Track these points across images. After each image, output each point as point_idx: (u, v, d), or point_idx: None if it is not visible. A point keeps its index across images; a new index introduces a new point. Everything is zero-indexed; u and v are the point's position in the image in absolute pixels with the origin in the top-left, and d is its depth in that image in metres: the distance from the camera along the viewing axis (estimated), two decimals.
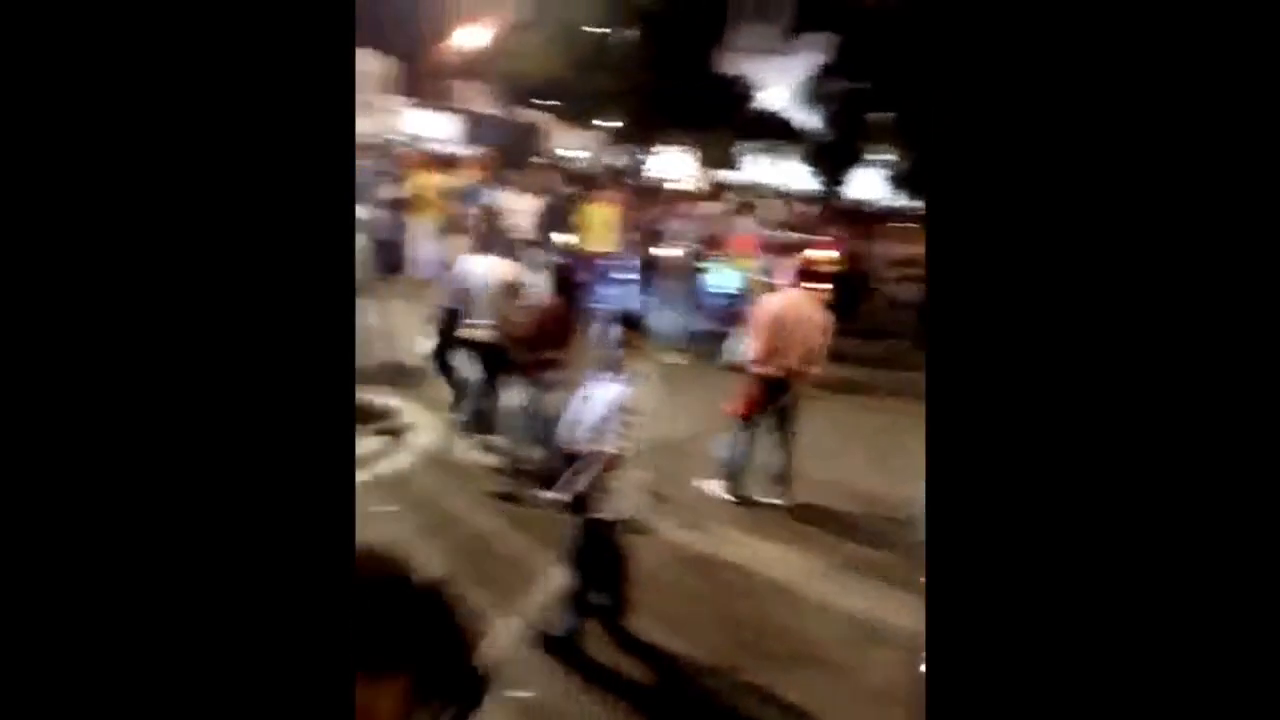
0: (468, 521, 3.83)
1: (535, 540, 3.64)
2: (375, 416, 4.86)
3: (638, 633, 3.09)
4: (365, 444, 4.49)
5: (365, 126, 19.12)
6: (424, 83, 31.05)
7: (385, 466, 4.29)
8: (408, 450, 4.52)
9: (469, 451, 4.59)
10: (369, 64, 31.36)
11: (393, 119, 20.79)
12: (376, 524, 3.62)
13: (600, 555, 2.95)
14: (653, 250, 7.83)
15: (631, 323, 3.10)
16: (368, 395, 5.03)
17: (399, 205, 8.54)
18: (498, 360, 4.46)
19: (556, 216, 7.94)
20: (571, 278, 5.26)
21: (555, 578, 3.23)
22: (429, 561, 3.37)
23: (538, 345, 4.26)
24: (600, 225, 7.84)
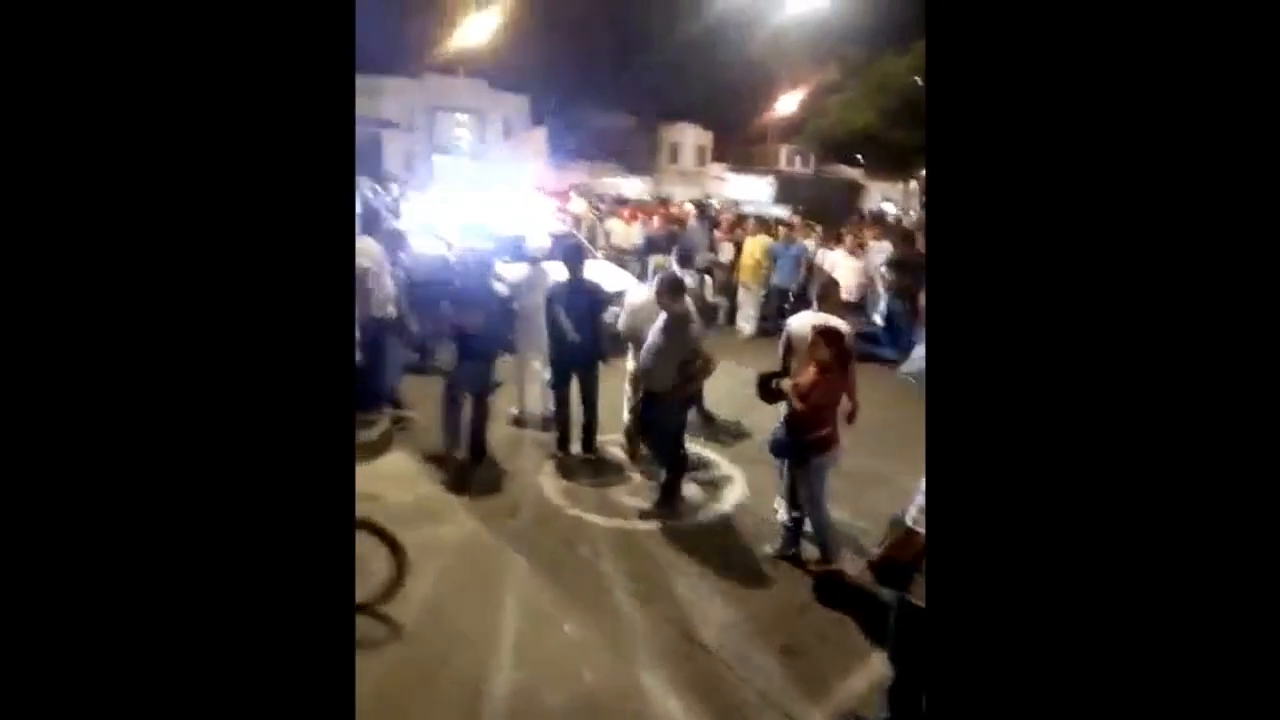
0: (778, 583, 3.70)
1: (848, 616, 3.36)
2: (691, 466, 5.03)
3: None
4: (683, 492, 4.65)
5: (686, 193, 20.86)
6: (741, 149, 32.90)
7: (700, 518, 4.38)
8: (723, 503, 4.57)
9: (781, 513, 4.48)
10: (687, 135, 34.35)
11: (713, 184, 22.13)
12: (688, 576, 3.69)
13: (917, 643, 2.57)
14: None
15: None
16: (691, 446, 5.25)
17: (724, 267, 9.01)
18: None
19: (904, 270, 7.57)
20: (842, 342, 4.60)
21: (876, 664, 2.92)
22: (724, 616, 3.33)
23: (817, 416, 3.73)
24: None
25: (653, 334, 4.19)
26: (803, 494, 3.73)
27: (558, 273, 5.01)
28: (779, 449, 3.74)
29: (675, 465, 4.36)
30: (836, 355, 3.54)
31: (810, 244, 9.35)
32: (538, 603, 3.38)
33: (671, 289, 4.20)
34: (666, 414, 4.23)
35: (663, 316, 4.19)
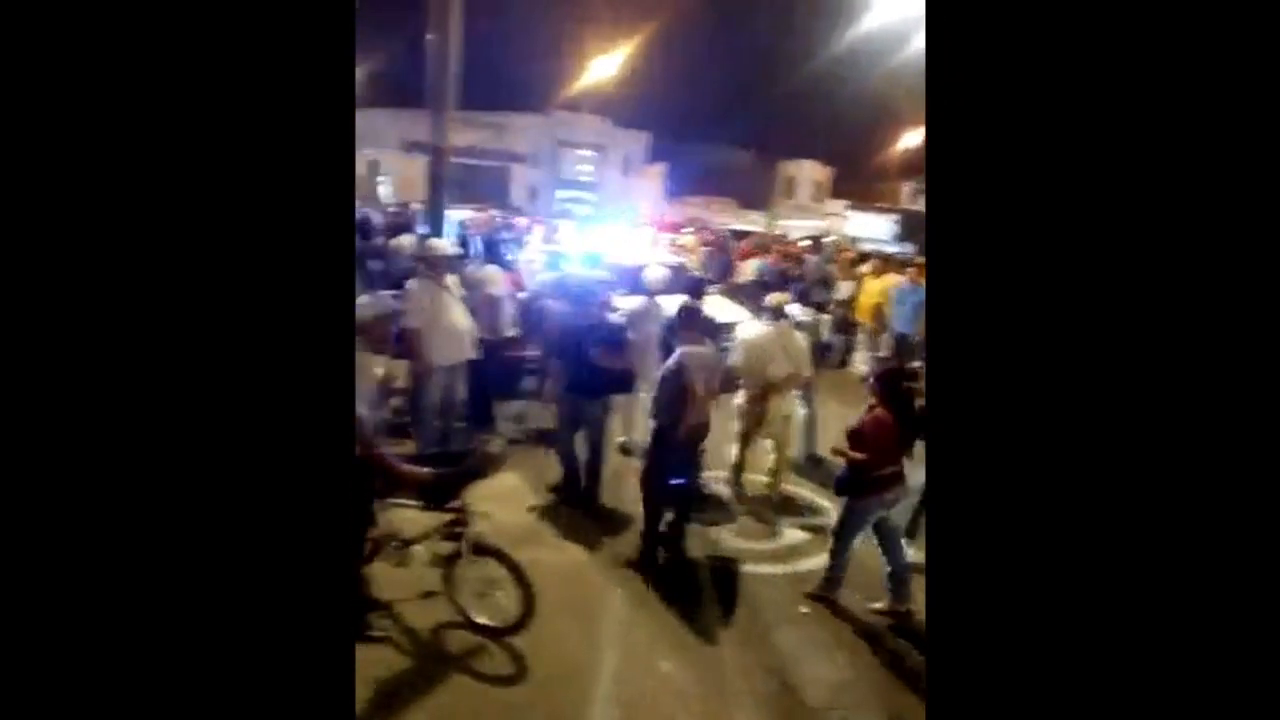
0: (892, 643, 3.48)
1: None
2: (799, 510, 4.88)
3: None
4: (789, 536, 4.51)
5: (802, 229, 20.57)
6: (861, 185, 32.15)
7: (805, 564, 4.22)
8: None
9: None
10: (804, 170, 33.89)
11: (831, 221, 21.66)
12: (793, 626, 3.54)
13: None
14: None
15: None
16: (791, 487, 5.09)
17: (843, 305, 8.79)
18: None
19: None
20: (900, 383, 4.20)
21: None
22: (832, 674, 3.15)
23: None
24: None
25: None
26: (878, 533, 3.66)
27: (671, 306, 5.06)
28: (841, 487, 3.65)
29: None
30: (891, 397, 3.49)
31: None
32: (635, 637, 3.36)
33: (688, 322, 4.08)
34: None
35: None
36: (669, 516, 4.07)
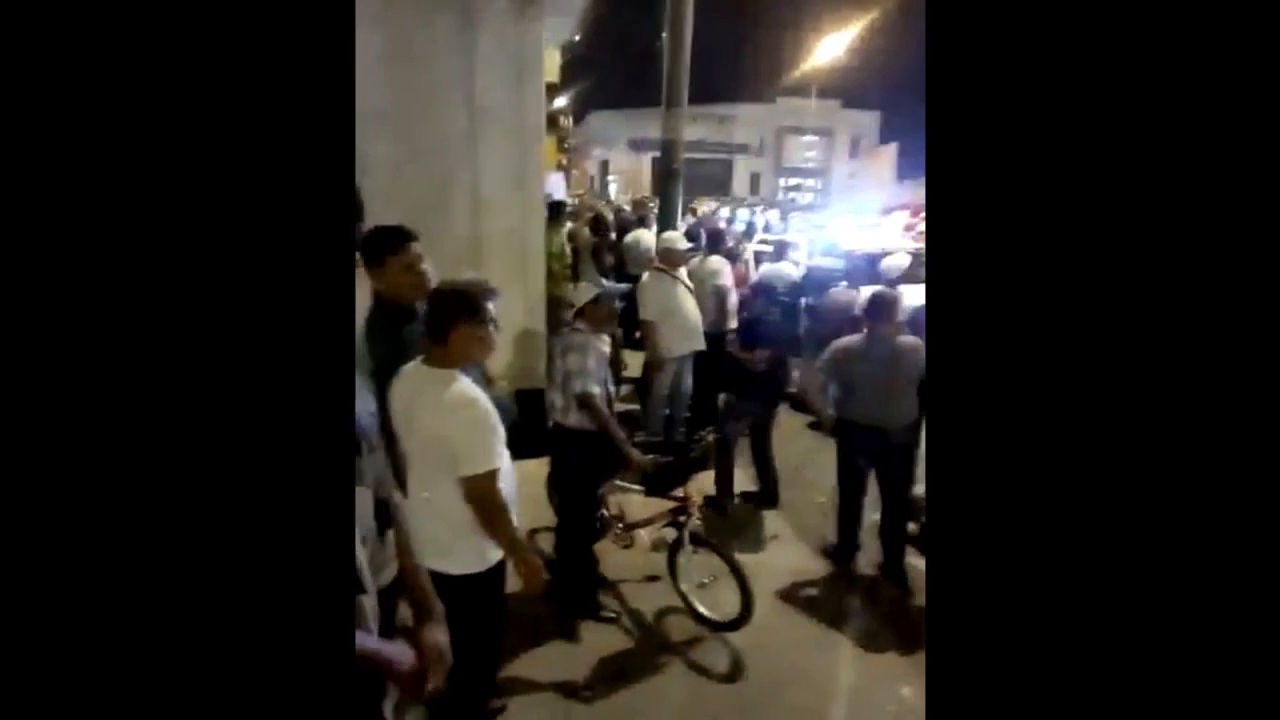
0: None
1: None
2: None
3: None
4: None
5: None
6: None
7: None
8: None
9: None
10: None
11: None
12: None
13: None
14: None
15: None
16: None
17: None
18: None
19: None
20: None
21: None
22: None
23: None
24: None
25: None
26: None
27: (913, 296, 4.61)
28: None
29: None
30: None
31: None
32: (873, 656, 3.10)
33: (876, 312, 3.52)
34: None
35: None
36: (875, 517, 3.71)
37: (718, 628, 3.14)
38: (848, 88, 25.91)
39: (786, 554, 3.91)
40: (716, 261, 5.65)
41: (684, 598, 3.27)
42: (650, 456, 3.12)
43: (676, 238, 5.11)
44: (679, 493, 3.24)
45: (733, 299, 5.57)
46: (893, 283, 5.05)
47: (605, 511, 3.51)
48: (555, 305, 5.17)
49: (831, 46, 22.15)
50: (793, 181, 26.03)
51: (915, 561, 3.76)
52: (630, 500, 3.46)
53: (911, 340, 3.52)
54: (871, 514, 3.74)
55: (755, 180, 25.42)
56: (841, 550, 3.79)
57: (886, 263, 5.33)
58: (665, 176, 6.83)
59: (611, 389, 3.19)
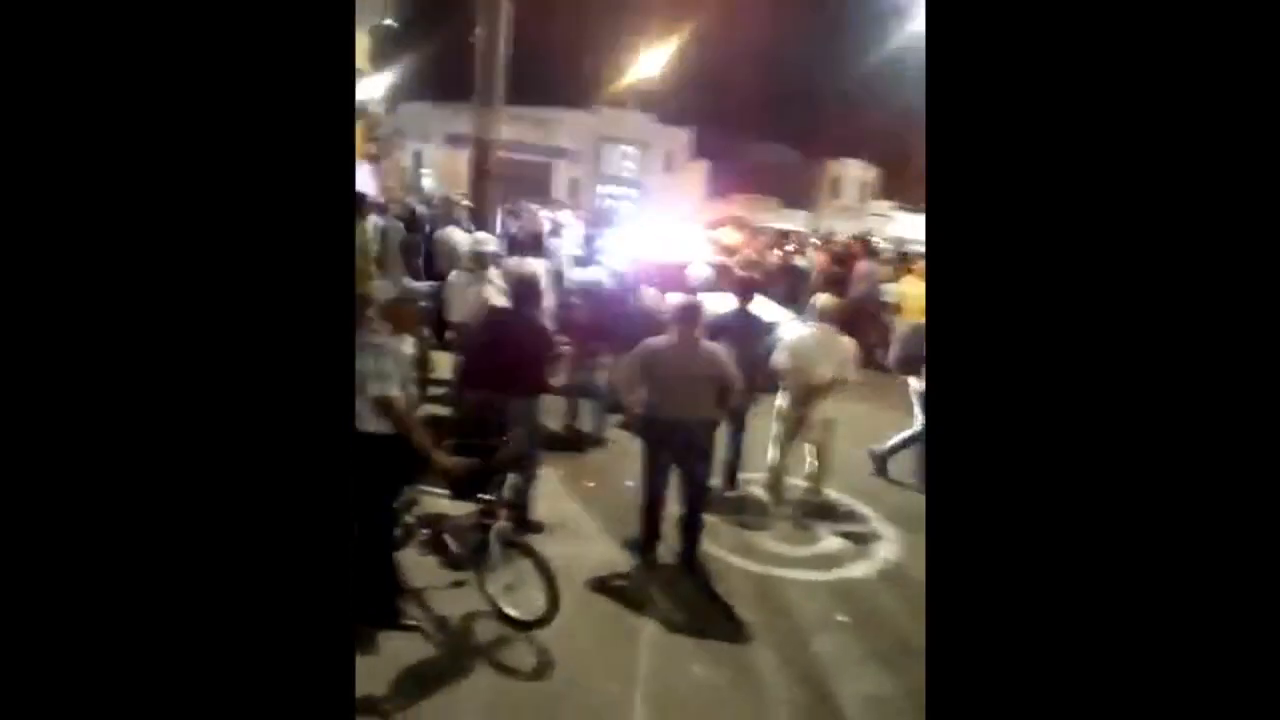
0: None
1: None
2: (838, 517, 4.75)
3: None
4: (828, 543, 4.40)
5: (847, 230, 20.25)
6: (907, 186, 31.51)
7: (843, 572, 4.11)
8: (870, 561, 4.26)
9: None
10: (850, 170, 33.33)
11: (877, 222, 21.27)
12: (829, 634, 3.44)
13: None
14: None
15: None
16: (832, 493, 4.97)
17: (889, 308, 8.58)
18: None
19: None
20: None
21: None
22: (870, 687, 3.04)
23: None
24: None
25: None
26: None
27: (714, 304, 4.97)
28: None
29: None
30: None
31: None
32: (669, 640, 3.29)
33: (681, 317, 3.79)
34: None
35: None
36: (680, 512, 3.92)
37: (525, 627, 3.15)
38: (663, 103, 27.15)
39: (593, 548, 4.02)
40: (532, 263, 5.66)
41: (490, 600, 3.24)
42: (455, 459, 3.06)
43: (487, 238, 5.06)
44: (487, 496, 3.21)
45: (548, 302, 5.62)
46: (696, 290, 5.40)
47: (409, 518, 3.38)
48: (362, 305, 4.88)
49: (650, 62, 23.08)
50: (611, 189, 26.73)
51: (713, 551, 4.05)
52: (439, 504, 3.37)
53: (712, 345, 3.80)
54: (672, 507, 3.96)
55: (574, 186, 25.75)
56: (644, 542, 3.98)
57: (690, 272, 5.68)
58: (479, 175, 6.72)
59: (414, 392, 3.08)
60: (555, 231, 9.13)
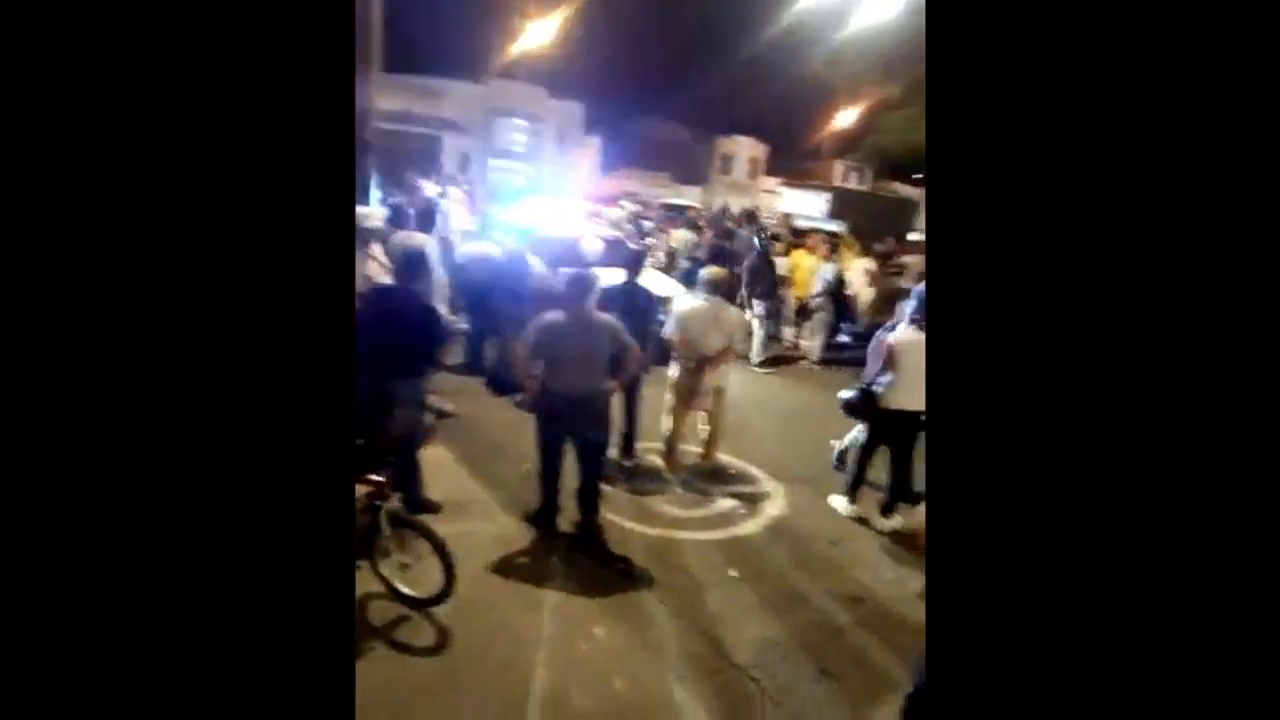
0: (817, 605, 3.61)
1: (886, 642, 3.26)
2: (730, 480, 4.97)
3: None
4: (721, 504, 4.60)
5: (737, 205, 20.82)
6: (795, 163, 32.64)
7: (736, 530, 4.32)
8: (758, 519, 4.50)
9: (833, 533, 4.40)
10: (741, 147, 34.15)
11: (765, 198, 21.87)
12: (722, 588, 3.63)
13: None
14: None
15: None
16: (724, 457, 5.19)
17: (783, 282, 8.94)
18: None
19: None
20: None
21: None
22: (760, 633, 3.26)
23: None
24: None
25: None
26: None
27: (606, 278, 5.02)
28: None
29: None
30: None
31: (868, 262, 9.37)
32: (570, 605, 3.37)
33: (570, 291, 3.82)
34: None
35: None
36: (578, 483, 3.95)
37: (421, 605, 3.13)
38: (554, 76, 26.67)
39: (493, 525, 4.03)
40: (420, 238, 5.48)
41: (384, 580, 3.19)
42: None
43: (368, 213, 4.86)
44: (375, 477, 3.14)
45: (438, 276, 5.47)
46: (589, 264, 5.43)
47: None
48: None
49: (539, 33, 22.54)
50: (503, 164, 26.08)
51: (612, 518, 4.15)
52: None
53: (605, 317, 3.85)
54: (570, 479, 4.02)
55: (465, 160, 24.93)
56: (543, 513, 4.02)
57: (583, 246, 5.70)
58: (357, 146, 6.40)
59: None
60: (438, 206, 8.86)
